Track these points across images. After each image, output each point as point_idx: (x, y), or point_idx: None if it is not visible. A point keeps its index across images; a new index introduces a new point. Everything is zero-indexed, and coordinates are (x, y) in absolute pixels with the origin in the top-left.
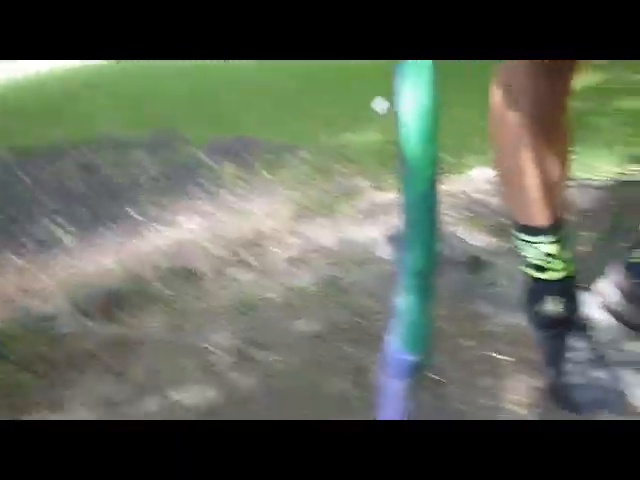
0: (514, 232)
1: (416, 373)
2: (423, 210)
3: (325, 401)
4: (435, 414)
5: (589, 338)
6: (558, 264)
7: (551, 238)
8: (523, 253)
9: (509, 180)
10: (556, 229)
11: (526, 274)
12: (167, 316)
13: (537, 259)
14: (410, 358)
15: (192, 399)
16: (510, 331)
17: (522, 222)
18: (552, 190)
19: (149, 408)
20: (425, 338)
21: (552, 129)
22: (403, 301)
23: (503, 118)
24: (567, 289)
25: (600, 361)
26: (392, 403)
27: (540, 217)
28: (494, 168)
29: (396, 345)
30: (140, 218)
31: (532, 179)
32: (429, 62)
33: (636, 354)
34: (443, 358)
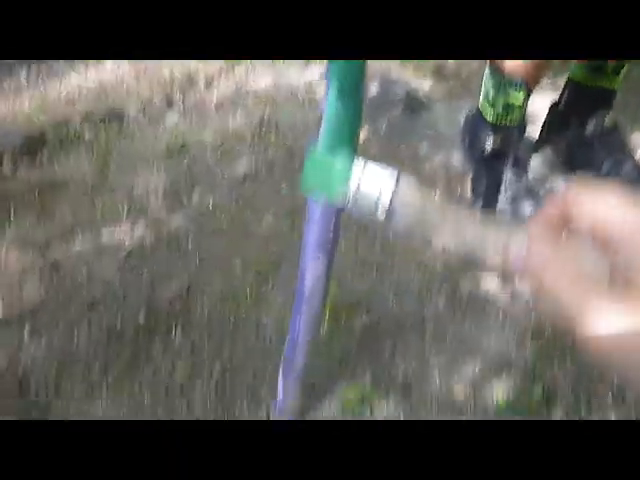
0: (490, 75)
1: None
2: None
3: (259, 239)
4: (366, 246)
5: (524, 174)
6: (519, 114)
7: (525, 91)
8: (490, 97)
9: None
10: (534, 85)
11: (480, 113)
12: (94, 159)
13: (503, 106)
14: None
15: (123, 237)
16: (445, 170)
17: (506, 70)
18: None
19: (79, 247)
20: (349, 144)
21: None
22: (320, 153)
23: None
24: (515, 132)
25: (531, 194)
26: (319, 217)
27: (528, 71)
28: None
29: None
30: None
31: None
32: None
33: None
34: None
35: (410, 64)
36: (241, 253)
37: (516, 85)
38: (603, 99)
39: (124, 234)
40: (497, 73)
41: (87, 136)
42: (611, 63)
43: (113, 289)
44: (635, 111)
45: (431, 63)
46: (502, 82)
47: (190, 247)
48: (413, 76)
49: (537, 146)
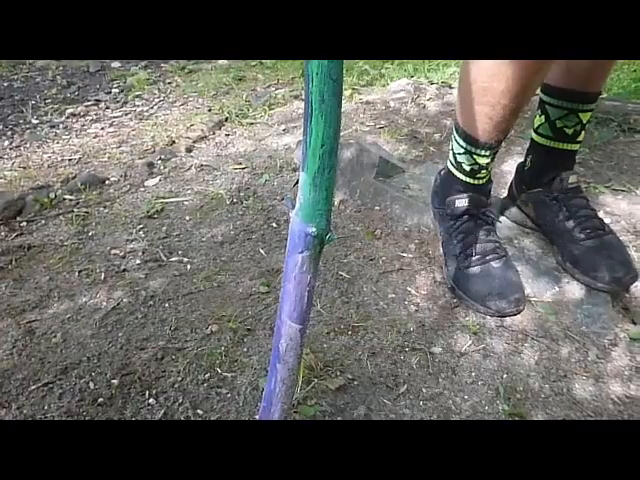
0: (457, 138)
1: (316, 246)
2: (328, 82)
3: (235, 300)
4: (342, 307)
5: (492, 232)
6: (485, 173)
7: (490, 153)
8: (458, 158)
9: (475, 98)
10: (498, 146)
11: (450, 172)
12: (73, 223)
13: (470, 166)
14: (309, 230)
15: (100, 300)
16: (417, 231)
17: (472, 134)
18: (513, 116)
19: (57, 310)
20: (324, 212)
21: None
22: (303, 176)
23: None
24: (483, 191)
25: (499, 253)
26: (295, 277)
27: (492, 135)
28: (460, 78)
29: (297, 218)
30: (44, 126)
31: (500, 105)
32: None
33: (530, 250)
34: (353, 256)
35: (385, 129)
36: (217, 315)
37: (482, 147)
38: (564, 160)
39: (101, 297)
40: (463, 135)
41: (67, 201)
42: (570, 127)
43: (88, 352)
44: (598, 171)
45: (405, 130)
46: (468, 144)
47: (167, 308)
48: (387, 141)
49: (505, 205)
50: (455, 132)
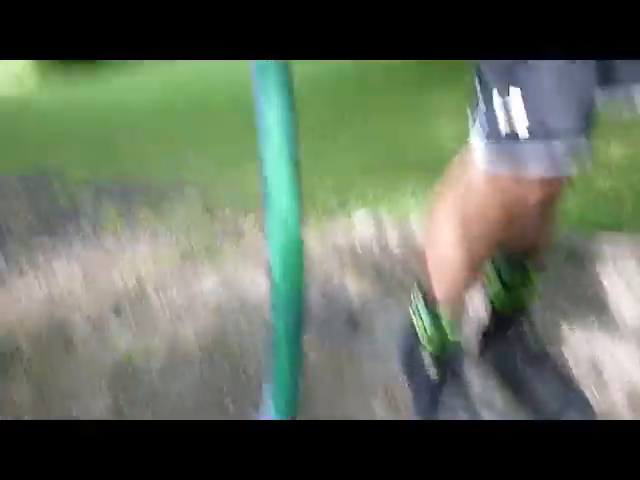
0: (428, 312)
1: None
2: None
3: None
4: None
5: (462, 393)
6: (454, 345)
7: (456, 325)
8: (430, 335)
9: (441, 274)
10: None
11: (419, 343)
12: (31, 382)
13: (440, 342)
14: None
15: None
16: (386, 385)
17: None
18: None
19: None
20: (294, 401)
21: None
22: (274, 369)
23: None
24: (454, 356)
25: (469, 410)
26: None
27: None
28: (427, 248)
29: (269, 408)
30: (7, 264)
31: (465, 283)
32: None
33: (501, 407)
34: (322, 413)
35: (351, 268)
36: None
37: (449, 323)
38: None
39: None
40: (431, 309)
41: (28, 354)
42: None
43: None
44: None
45: (374, 270)
46: (436, 318)
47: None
48: (354, 280)
49: (476, 361)
50: (422, 302)
